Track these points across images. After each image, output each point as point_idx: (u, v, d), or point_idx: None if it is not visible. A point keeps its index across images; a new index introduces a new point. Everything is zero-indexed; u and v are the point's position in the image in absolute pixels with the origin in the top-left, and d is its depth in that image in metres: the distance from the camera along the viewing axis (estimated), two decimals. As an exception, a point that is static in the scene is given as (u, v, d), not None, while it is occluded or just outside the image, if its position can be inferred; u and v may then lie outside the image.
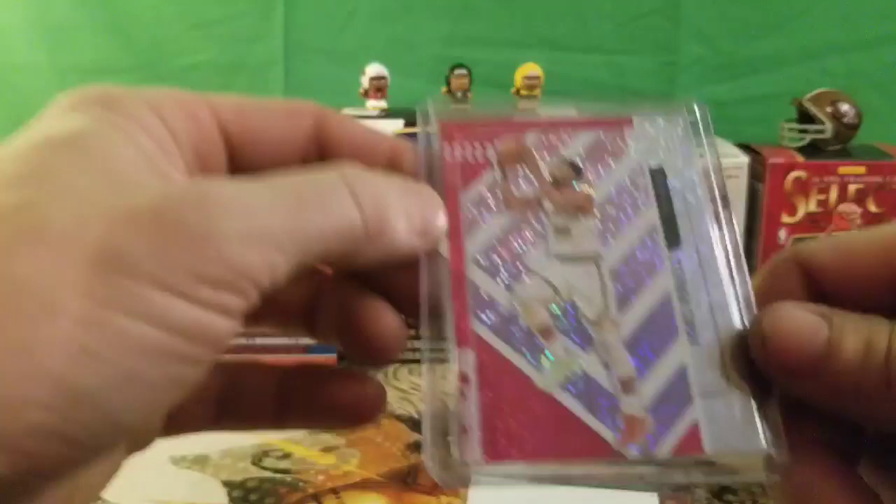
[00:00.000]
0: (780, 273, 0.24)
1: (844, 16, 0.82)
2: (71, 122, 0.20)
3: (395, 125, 0.75)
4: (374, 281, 0.24)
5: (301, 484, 0.58)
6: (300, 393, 0.26)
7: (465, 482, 0.23)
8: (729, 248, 0.25)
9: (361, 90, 0.82)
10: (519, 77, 0.81)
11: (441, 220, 0.24)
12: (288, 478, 0.59)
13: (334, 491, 0.57)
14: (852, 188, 0.74)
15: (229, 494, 0.57)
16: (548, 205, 0.25)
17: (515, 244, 0.25)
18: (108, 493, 0.57)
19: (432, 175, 0.25)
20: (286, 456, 0.62)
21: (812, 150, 0.76)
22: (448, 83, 0.82)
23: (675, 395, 0.23)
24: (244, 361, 0.27)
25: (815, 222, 0.75)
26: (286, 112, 0.24)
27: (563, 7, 0.85)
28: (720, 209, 0.26)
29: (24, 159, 0.19)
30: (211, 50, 0.87)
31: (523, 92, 0.81)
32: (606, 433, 0.23)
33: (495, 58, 0.86)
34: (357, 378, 0.26)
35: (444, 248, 0.24)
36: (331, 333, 0.25)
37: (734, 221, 0.26)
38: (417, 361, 0.24)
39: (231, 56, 0.87)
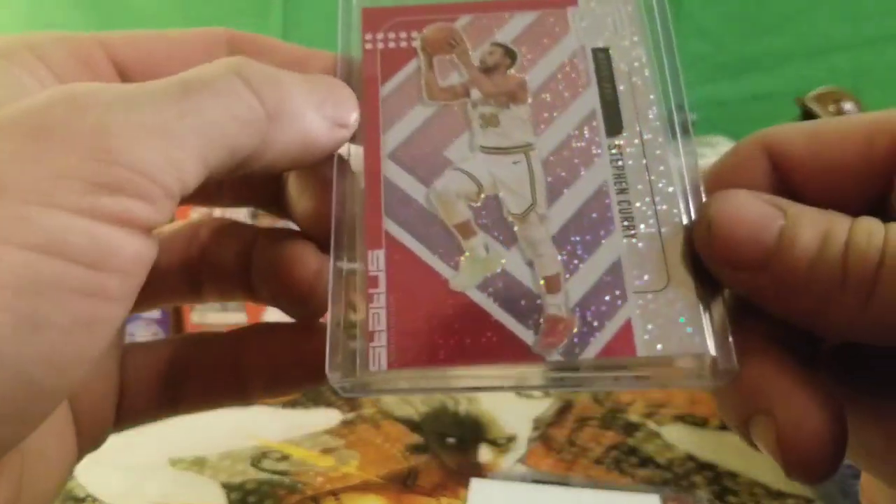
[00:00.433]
0: (743, 160, 0.22)
1: (848, 14, 0.82)
2: None
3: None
4: (299, 215, 0.23)
5: (300, 486, 0.58)
6: (258, 357, 0.24)
7: (369, 391, 0.21)
8: (679, 133, 0.23)
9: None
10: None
11: (353, 111, 0.22)
12: (287, 479, 0.59)
13: (333, 493, 0.57)
14: (855, 187, 0.73)
15: (228, 496, 0.57)
16: (475, 94, 0.24)
17: (437, 137, 0.23)
18: (106, 496, 0.57)
19: (350, 68, 0.24)
20: (285, 458, 0.62)
21: (815, 149, 0.76)
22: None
23: (606, 293, 0.21)
24: (193, 335, 0.25)
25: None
26: (194, 43, 0.22)
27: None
28: (671, 91, 0.24)
29: None
30: (209, 48, 0.87)
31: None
32: (526, 335, 0.21)
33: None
34: (315, 330, 0.24)
35: (359, 144, 0.23)
36: (264, 290, 0.24)
37: (685, 105, 0.23)
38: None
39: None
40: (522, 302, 0.21)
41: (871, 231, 0.18)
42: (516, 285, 0.21)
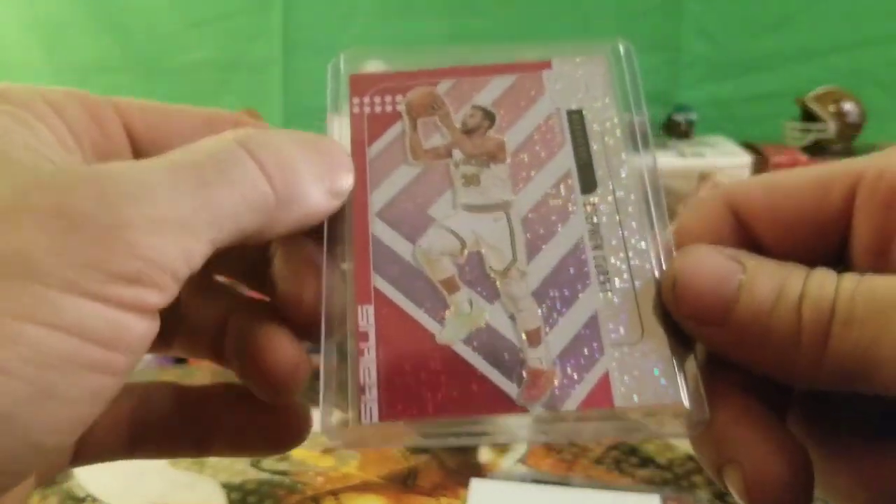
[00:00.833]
0: (708, 214, 0.22)
1: (848, 14, 0.81)
2: None
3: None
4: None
5: (300, 486, 0.58)
6: (221, 418, 0.25)
7: (361, 443, 0.22)
8: (649, 192, 0.24)
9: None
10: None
11: (349, 180, 0.23)
12: (287, 479, 0.59)
13: (333, 493, 0.57)
14: (855, 187, 0.73)
15: (228, 496, 0.57)
16: (457, 154, 0.25)
17: (421, 196, 0.24)
18: (105, 495, 0.57)
19: (339, 125, 0.25)
20: (285, 457, 0.62)
21: (815, 149, 0.76)
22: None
23: (585, 346, 0.22)
24: (155, 383, 0.25)
25: (817, 222, 0.74)
26: (203, 119, 0.23)
27: (565, 4, 0.85)
28: (641, 151, 0.24)
29: None
30: (209, 48, 0.87)
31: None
32: (509, 387, 0.22)
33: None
34: (282, 406, 0.24)
35: (349, 205, 0.23)
36: (236, 366, 0.23)
37: (656, 164, 0.24)
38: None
39: (229, 54, 0.87)
40: (505, 355, 0.22)
41: (823, 282, 0.19)
42: (499, 339, 0.22)
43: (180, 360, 0.81)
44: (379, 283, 0.23)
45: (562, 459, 0.61)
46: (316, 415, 0.22)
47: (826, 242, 0.21)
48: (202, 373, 0.77)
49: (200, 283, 0.24)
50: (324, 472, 0.59)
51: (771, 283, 0.19)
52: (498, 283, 0.23)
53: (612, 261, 0.23)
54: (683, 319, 0.21)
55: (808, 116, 0.77)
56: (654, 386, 0.21)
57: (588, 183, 0.24)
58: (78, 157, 0.20)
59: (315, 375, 0.23)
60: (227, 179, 0.19)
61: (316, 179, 0.21)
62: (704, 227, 0.22)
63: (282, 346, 0.22)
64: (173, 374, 0.77)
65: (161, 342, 0.24)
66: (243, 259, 0.25)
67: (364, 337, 0.22)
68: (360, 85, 0.25)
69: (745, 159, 0.74)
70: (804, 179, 0.21)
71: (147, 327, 0.18)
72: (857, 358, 0.18)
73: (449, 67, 0.26)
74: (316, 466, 0.60)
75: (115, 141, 0.21)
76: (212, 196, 0.18)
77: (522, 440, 0.23)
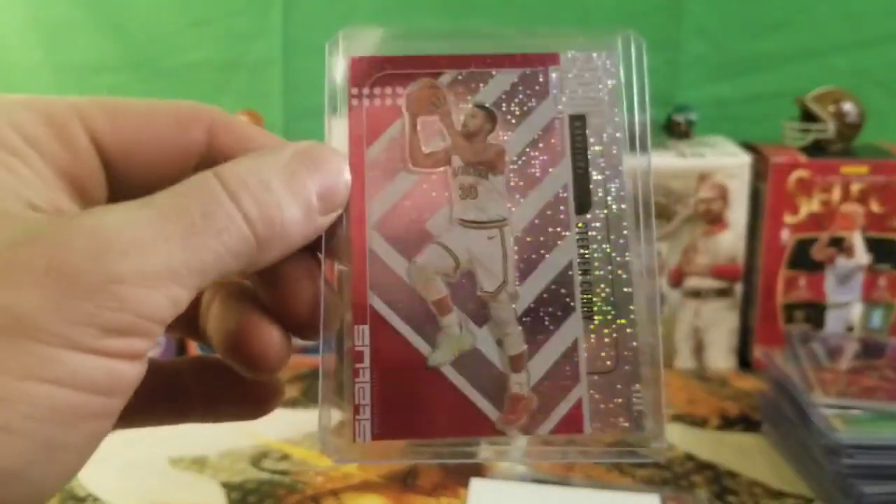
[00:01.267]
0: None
1: (848, 14, 0.81)
2: None
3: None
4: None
5: (300, 485, 0.58)
6: (194, 388, 0.25)
7: (356, 459, 0.23)
8: (641, 211, 0.24)
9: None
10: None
11: (344, 191, 0.22)
12: (287, 479, 0.59)
13: (334, 492, 0.57)
14: (855, 188, 0.73)
15: (228, 496, 0.57)
16: (456, 161, 0.24)
17: (419, 208, 0.24)
18: (106, 495, 0.57)
19: (335, 126, 0.24)
20: (285, 457, 0.62)
21: (815, 149, 0.75)
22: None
23: (564, 373, 0.23)
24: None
25: (817, 222, 0.74)
26: (175, 120, 0.22)
27: (564, 5, 0.84)
28: (639, 158, 0.24)
29: None
30: (209, 48, 0.87)
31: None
32: (491, 411, 0.23)
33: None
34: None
35: (347, 211, 0.23)
36: (213, 342, 0.24)
37: (650, 175, 0.24)
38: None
39: (229, 54, 0.86)
40: (490, 380, 0.23)
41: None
42: (485, 364, 0.23)
43: (179, 355, 0.81)
44: (375, 302, 0.23)
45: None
46: (314, 417, 0.23)
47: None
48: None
49: None
50: (324, 471, 0.59)
51: None
52: (488, 305, 0.24)
53: (598, 289, 0.24)
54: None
55: (808, 117, 0.76)
56: (622, 415, 0.23)
57: (583, 202, 0.24)
58: (56, 189, 0.20)
59: (314, 374, 0.23)
60: (213, 228, 0.19)
61: (303, 209, 0.21)
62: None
63: (268, 335, 0.23)
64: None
65: None
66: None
67: (360, 357, 0.23)
68: (360, 70, 0.24)
69: (744, 159, 0.74)
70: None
71: (139, 371, 0.19)
72: None
73: (453, 55, 0.25)
74: (316, 466, 0.60)
75: (84, 158, 0.21)
76: (198, 246, 0.19)
77: (498, 460, 0.24)
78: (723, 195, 0.74)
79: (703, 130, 0.80)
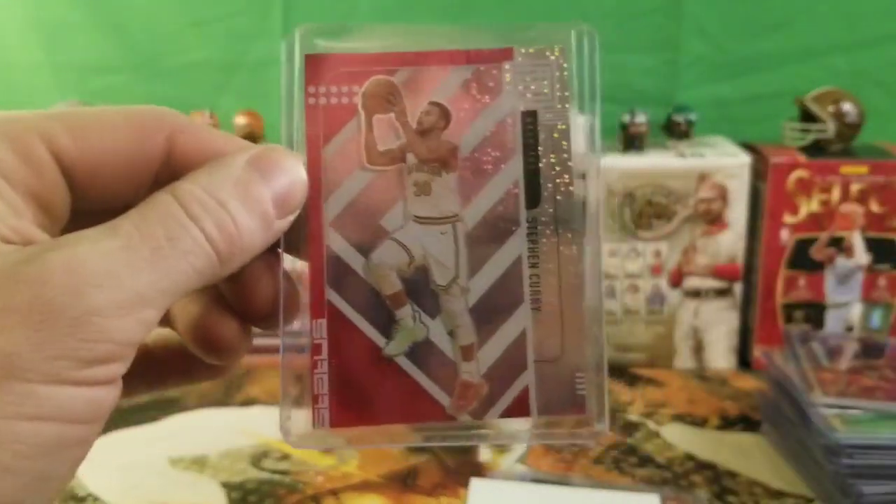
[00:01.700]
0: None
1: (847, 14, 0.81)
2: None
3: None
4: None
5: (300, 485, 0.58)
6: (169, 363, 0.26)
7: (316, 446, 0.25)
8: (589, 205, 0.25)
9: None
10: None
11: (300, 194, 0.23)
12: (287, 479, 0.59)
13: (334, 492, 0.57)
14: (855, 188, 0.73)
15: (228, 496, 0.57)
16: (411, 159, 0.25)
17: (374, 204, 0.25)
18: (106, 495, 0.57)
19: (293, 125, 0.25)
20: (285, 457, 0.62)
21: (814, 149, 0.76)
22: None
23: (512, 361, 0.25)
24: None
25: (817, 222, 0.74)
26: (136, 132, 0.22)
27: (564, 5, 0.85)
28: (589, 156, 0.25)
29: None
30: (209, 48, 0.87)
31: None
32: (443, 398, 0.25)
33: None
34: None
35: (304, 209, 0.24)
36: (178, 330, 0.25)
37: (600, 171, 0.25)
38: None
39: (229, 54, 0.86)
40: (441, 368, 0.25)
41: None
42: (437, 353, 0.25)
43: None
44: (332, 296, 0.25)
45: (561, 459, 0.61)
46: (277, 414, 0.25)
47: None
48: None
49: None
50: (324, 471, 0.60)
51: None
52: (440, 298, 0.25)
53: (546, 280, 0.25)
54: None
55: (808, 117, 0.76)
56: (566, 399, 0.25)
57: (533, 197, 0.25)
58: (23, 215, 0.21)
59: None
60: (179, 250, 0.20)
61: (259, 220, 0.22)
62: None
63: (227, 327, 0.24)
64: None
65: None
66: None
67: (318, 350, 0.24)
68: (316, 68, 0.25)
69: (744, 159, 0.74)
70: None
71: (115, 395, 0.20)
72: None
73: (408, 53, 0.25)
74: (316, 466, 0.60)
75: (48, 178, 0.21)
76: (167, 269, 0.20)
77: (451, 444, 0.26)
78: (722, 195, 0.74)
79: (702, 130, 0.80)
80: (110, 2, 0.87)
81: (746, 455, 0.62)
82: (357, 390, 0.24)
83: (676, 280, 0.77)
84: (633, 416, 0.68)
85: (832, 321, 0.77)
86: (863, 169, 0.73)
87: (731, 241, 0.76)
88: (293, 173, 0.23)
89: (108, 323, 0.19)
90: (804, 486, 0.57)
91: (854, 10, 0.81)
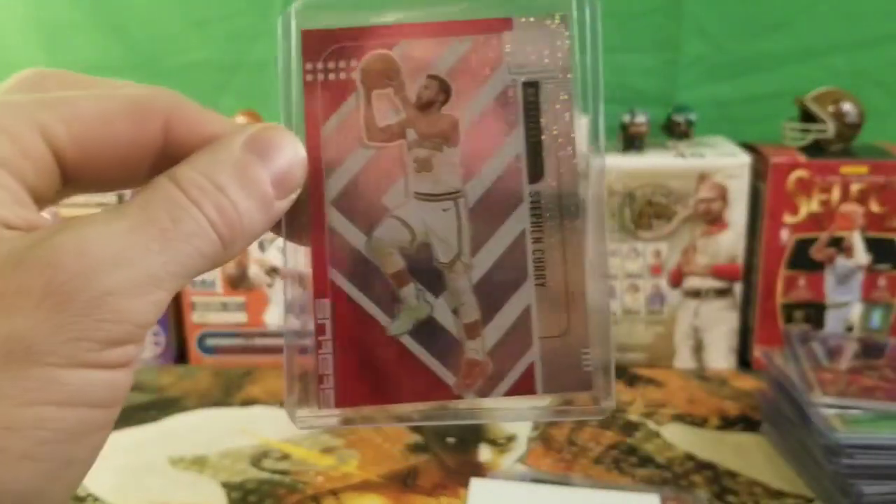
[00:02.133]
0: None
1: (848, 14, 0.81)
2: None
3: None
4: None
5: (300, 485, 0.58)
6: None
7: (322, 426, 0.25)
8: (592, 178, 0.24)
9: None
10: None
11: (300, 173, 0.23)
12: (287, 479, 0.59)
13: (333, 492, 0.57)
14: (855, 188, 0.73)
15: (228, 496, 0.57)
16: (411, 134, 0.25)
17: (375, 182, 0.24)
18: (106, 494, 0.57)
19: (291, 103, 0.24)
20: (285, 457, 0.62)
21: (814, 149, 0.76)
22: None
23: (517, 338, 0.24)
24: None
25: (817, 222, 0.74)
26: (131, 119, 0.22)
27: (564, 5, 0.85)
28: (596, 127, 0.25)
29: None
30: (209, 48, 0.87)
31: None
32: (448, 377, 0.24)
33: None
34: None
35: (305, 189, 0.24)
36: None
37: (602, 149, 0.25)
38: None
39: (230, 54, 0.87)
40: (446, 347, 0.24)
41: None
42: (441, 331, 0.24)
43: (180, 360, 0.81)
44: (335, 276, 0.24)
45: (561, 459, 0.61)
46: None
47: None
48: (203, 373, 0.78)
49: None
50: (324, 471, 0.60)
51: None
52: (443, 275, 0.24)
53: (550, 256, 0.24)
54: None
55: (807, 117, 0.76)
56: (572, 375, 0.24)
57: (536, 171, 0.24)
58: (25, 204, 0.20)
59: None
60: (184, 233, 0.20)
61: (259, 203, 0.22)
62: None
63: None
64: (174, 374, 0.77)
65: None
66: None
67: (322, 330, 0.24)
68: (313, 43, 0.24)
69: (744, 159, 0.74)
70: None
71: (131, 378, 0.20)
72: None
73: (406, 24, 0.24)
74: (316, 466, 0.60)
75: (45, 169, 0.21)
76: (175, 250, 0.20)
77: (458, 422, 0.25)
78: (722, 195, 0.74)
79: (702, 131, 0.80)
80: (110, 2, 0.87)
81: (746, 455, 0.62)
82: (362, 370, 0.24)
83: (676, 280, 0.77)
84: (633, 416, 0.68)
85: (832, 321, 0.77)
86: (863, 169, 0.73)
87: (731, 241, 0.76)
88: (291, 152, 0.23)
89: (123, 303, 0.19)
90: (804, 486, 0.57)
91: (854, 10, 0.81)
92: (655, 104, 0.80)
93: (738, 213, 0.75)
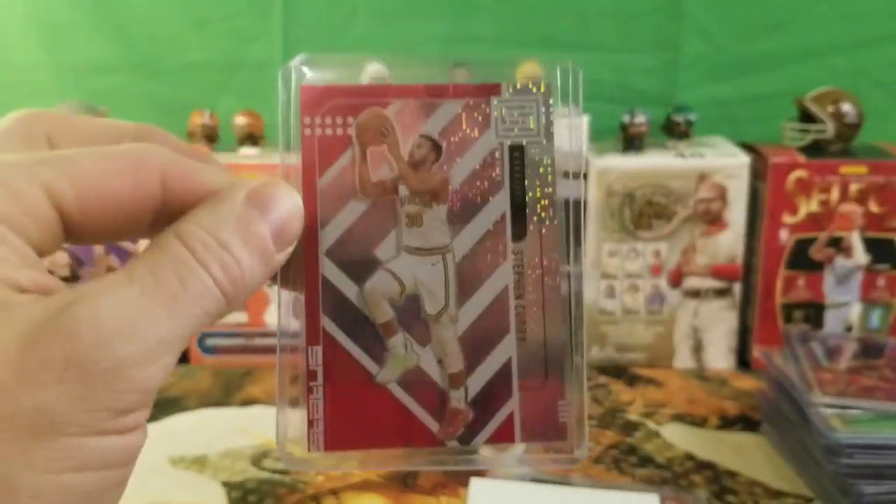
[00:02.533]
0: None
1: (847, 14, 0.82)
2: None
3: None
4: None
5: (300, 485, 0.58)
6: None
7: (311, 468, 0.26)
8: (571, 237, 0.26)
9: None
10: (519, 76, 0.81)
11: (297, 226, 0.24)
12: (287, 479, 0.59)
13: (334, 492, 0.57)
14: (854, 188, 0.73)
15: (228, 495, 0.57)
16: (403, 191, 0.26)
17: (368, 235, 0.26)
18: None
19: (290, 155, 0.25)
20: (285, 457, 0.62)
21: (814, 149, 0.76)
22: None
23: (498, 389, 0.26)
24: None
25: (816, 222, 0.74)
26: (131, 176, 0.22)
27: (564, 5, 0.85)
28: (572, 191, 0.26)
29: None
30: (209, 48, 0.87)
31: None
32: (432, 424, 0.26)
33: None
34: None
35: (300, 240, 0.25)
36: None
37: (583, 205, 0.26)
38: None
39: (229, 54, 0.87)
40: (431, 395, 0.26)
41: None
42: (427, 380, 0.26)
43: (181, 360, 0.81)
44: (327, 324, 0.25)
45: (561, 459, 0.61)
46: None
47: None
48: (203, 372, 0.78)
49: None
50: (324, 471, 0.60)
51: None
52: (430, 326, 0.26)
53: (531, 312, 0.26)
54: None
55: (807, 117, 0.77)
56: (549, 425, 0.26)
57: (519, 231, 0.26)
58: (33, 264, 0.21)
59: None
60: (191, 295, 0.21)
61: (260, 258, 0.22)
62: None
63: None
64: (174, 374, 0.77)
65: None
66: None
67: (313, 376, 0.25)
68: (312, 99, 0.26)
69: (743, 159, 0.74)
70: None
71: (143, 438, 0.21)
72: None
73: (401, 85, 0.26)
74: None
75: (50, 228, 0.21)
76: (183, 315, 0.21)
77: (439, 468, 0.28)
78: (722, 195, 0.74)
79: (702, 131, 0.80)
80: (110, 2, 0.87)
81: (746, 455, 0.62)
82: (351, 415, 0.25)
83: (676, 280, 0.77)
84: (632, 415, 0.68)
85: (831, 321, 0.77)
86: (862, 169, 0.73)
87: (730, 241, 0.76)
88: (291, 206, 0.23)
89: (136, 373, 0.20)
90: (804, 486, 0.57)
91: (854, 10, 0.81)
92: (655, 104, 0.80)
93: (737, 213, 0.75)
